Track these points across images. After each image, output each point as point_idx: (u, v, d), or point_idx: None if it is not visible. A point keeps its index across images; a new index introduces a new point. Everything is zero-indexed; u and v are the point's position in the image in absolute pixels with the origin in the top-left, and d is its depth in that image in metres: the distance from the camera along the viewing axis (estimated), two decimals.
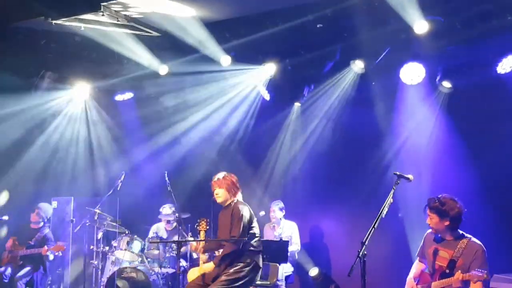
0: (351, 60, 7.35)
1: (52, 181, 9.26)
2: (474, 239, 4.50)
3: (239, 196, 5.59)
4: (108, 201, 8.54)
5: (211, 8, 6.69)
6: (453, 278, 4.36)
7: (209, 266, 5.42)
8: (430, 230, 4.71)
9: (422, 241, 4.84)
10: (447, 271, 4.43)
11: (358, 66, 7.37)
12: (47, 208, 7.99)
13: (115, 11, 6.55)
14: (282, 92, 8.38)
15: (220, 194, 5.49)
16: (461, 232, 4.55)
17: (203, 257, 5.58)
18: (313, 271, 7.85)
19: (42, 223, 7.93)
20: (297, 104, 8.61)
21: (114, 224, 8.05)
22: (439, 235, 4.62)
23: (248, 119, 8.84)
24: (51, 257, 7.83)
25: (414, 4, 6.10)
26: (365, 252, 3.93)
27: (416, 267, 4.85)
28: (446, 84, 7.06)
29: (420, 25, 6.26)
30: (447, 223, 4.43)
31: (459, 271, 4.35)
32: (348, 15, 6.43)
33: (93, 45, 7.47)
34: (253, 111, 8.75)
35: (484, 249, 4.42)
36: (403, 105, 7.61)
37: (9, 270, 7.59)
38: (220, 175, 5.57)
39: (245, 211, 5.41)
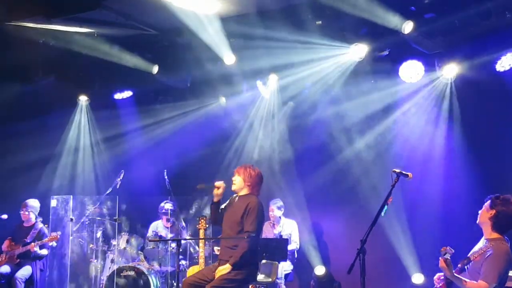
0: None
1: (50, 180, 9.25)
2: (501, 244, 4.03)
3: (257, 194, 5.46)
4: (107, 199, 8.56)
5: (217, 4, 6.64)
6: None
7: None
8: None
9: None
10: (459, 265, 4.19)
11: (359, 51, 6.96)
12: (35, 204, 7.96)
13: (114, 9, 6.55)
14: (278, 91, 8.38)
15: (236, 182, 5.42)
16: (501, 236, 4.12)
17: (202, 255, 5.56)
18: (320, 270, 7.85)
19: (34, 219, 7.90)
20: (290, 103, 8.59)
21: (114, 222, 8.06)
22: None
23: (244, 119, 8.84)
24: (45, 251, 7.79)
25: (404, 3, 6.14)
26: (365, 250, 3.92)
27: None
28: (447, 74, 7.03)
29: (407, 25, 6.26)
30: (493, 212, 4.11)
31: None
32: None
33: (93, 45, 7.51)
34: (249, 110, 8.77)
35: (500, 253, 3.94)
36: (402, 103, 7.62)
37: (5, 268, 7.56)
38: (245, 165, 5.52)
39: (261, 209, 5.30)
